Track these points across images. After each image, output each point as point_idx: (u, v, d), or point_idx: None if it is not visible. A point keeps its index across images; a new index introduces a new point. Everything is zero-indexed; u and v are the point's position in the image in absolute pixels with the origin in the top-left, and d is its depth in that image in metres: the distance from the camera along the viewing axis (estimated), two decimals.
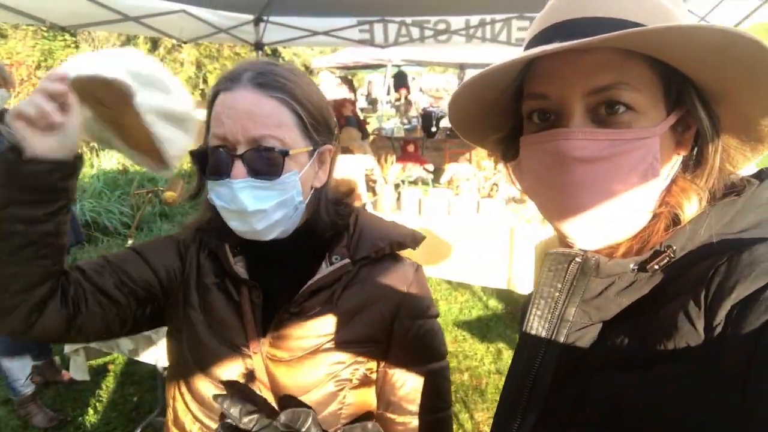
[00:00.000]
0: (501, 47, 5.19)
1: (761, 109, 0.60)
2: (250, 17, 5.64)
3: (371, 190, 5.25)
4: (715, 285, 0.54)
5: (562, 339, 0.64)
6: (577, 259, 0.63)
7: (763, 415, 0.45)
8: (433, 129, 8.41)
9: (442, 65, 11.58)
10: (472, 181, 5.21)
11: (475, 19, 5.01)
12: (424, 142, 7.13)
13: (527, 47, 0.66)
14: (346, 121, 5.84)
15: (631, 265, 0.61)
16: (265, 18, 5.63)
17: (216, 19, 5.23)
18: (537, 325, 0.66)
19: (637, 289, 0.61)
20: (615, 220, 0.62)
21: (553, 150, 0.61)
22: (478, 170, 5.32)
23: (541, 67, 0.64)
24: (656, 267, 0.60)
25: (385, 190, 5.12)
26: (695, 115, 0.62)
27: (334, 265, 1.01)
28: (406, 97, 10.38)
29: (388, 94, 12.14)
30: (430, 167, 5.72)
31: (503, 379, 3.71)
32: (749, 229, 0.59)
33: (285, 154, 0.90)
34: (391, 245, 1.06)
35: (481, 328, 4.62)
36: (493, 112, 0.73)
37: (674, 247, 0.60)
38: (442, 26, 5.16)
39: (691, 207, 0.62)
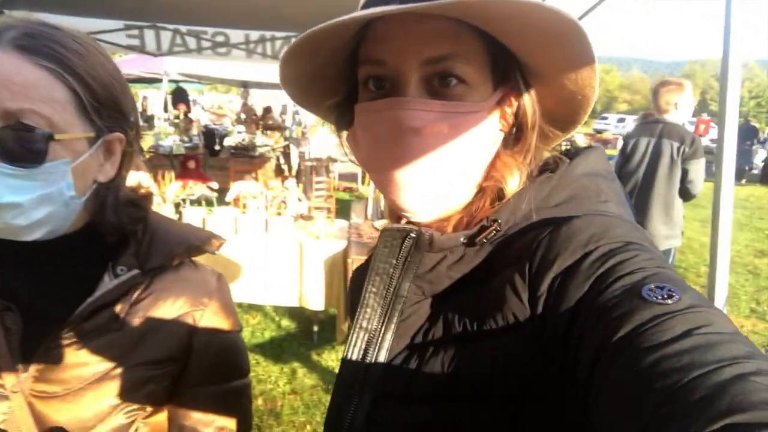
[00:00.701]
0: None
1: (572, 85, 0.63)
2: None
3: None
4: (538, 258, 0.56)
5: (396, 315, 0.64)
6: (412, 235, 0.62)
7: (582, 380, 0.47)
8: (217, 147, 8.04)
9: (224, 83, 11.20)
10: (259, 198, 5.08)
11: (255, 35, 4.93)
12: (207, 160, 6.76)
13: (364, 7, 0.63)
14: None
15: (461, 239, 0.62)
16: (4, 11, 4.77)
17: None
18: (373, 302, 0.65)
19: (466, 263, 0.62)
20: (445, 193, 0.64)
21: (389, 119, 0.60)
22: (265, 188, 5.21)
23: (377, 31, 0.62)
24: (484, 240, 0.61)
25: (164, 211, 4.69)
26: (518, 92, 0.65)
27: (120, 277, 0.83)
28: (186, 114, 9.78)
29: (166, 110, 11.31)
30: (214, 185, 5.44)
31: (298, 398, 3.60)
32: (563, 203, 0.63)
33: (49, 137, 0.71)
34: (188, 250, 0.92)
35: (275, 350, 4.48)
36: (327, 76, 0.70)
37: (500, 221, 0.61)
38: (220, 38, 4.96)
39: (513, 181, 0.64)
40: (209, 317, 0.93)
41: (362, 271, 0.78)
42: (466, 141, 0.61)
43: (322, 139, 9.04)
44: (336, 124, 0.75)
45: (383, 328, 0.64)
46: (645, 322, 0.44)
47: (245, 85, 10.79)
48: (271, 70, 8.26)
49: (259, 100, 12.72)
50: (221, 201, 5.26)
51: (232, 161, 6.68)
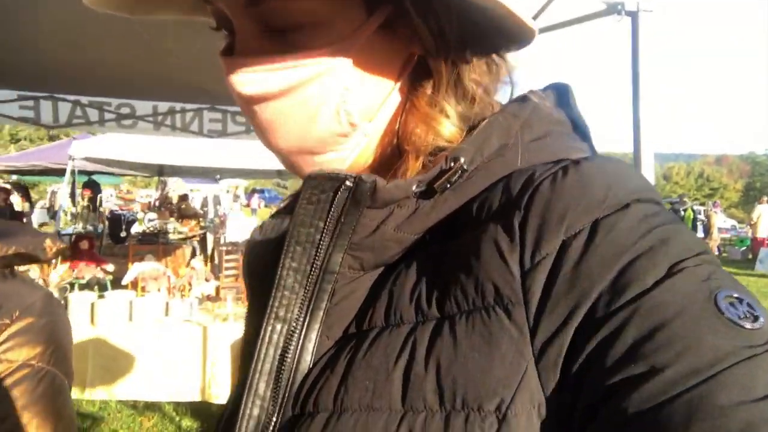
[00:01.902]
0: (192, 137, 4.99)
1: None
2: None
3: None
4: (534, 210, 0.42)
5: (326, 298, 0.49)
6: (347, 183, 0.47)
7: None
8: (123, 234, 7.52)
9: (135, 168, 10.69)
10: (161, 280, 4.63)
11: (163, 107, 4.75)
12: (102, 246, 6.21)
13: None
14: None
15: (413, 187, 0.47)
16: None
17: None
18: (292, 281, 0.49)
19: (420, 220, 0.48)
20: (328, 158, 0.52)
21: (230, 87, 0.50)
22: (168, 268, 4.79)
23: None
24: (446, 185, 0.47)
25: None
26: (404, 15, 0.49)
27: None
28: (90, 199, 9.22)
29: (73, 198, 10.63)
30: (110, 267, 4.92)
31: None
32: (541, 138, 0.50)
33: None
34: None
35: None
36: None
37: (463, 161, 0.47)
38: (126, 110, 4.72)
39: (443, 128, 0.50)
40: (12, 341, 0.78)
41: (266, 242, 0.59)
42: (325, 101, 0.49)
43: (239, 222, 8.74)
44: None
45: (307, 317, 0.50)
46: (722, 357, 0.33)
47: (161, 172, 10.41)
48: (189, 152, 8.03)
49: (177, 188, 12.34)
50: (117, 285, 4.74)
51: (135, 246, 6.20)
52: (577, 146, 0.51)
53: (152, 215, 9.28)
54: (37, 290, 0.84)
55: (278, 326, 0.49)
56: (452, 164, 0.47)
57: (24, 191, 9.72)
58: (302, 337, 0.49)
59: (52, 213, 12.75)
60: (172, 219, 8.62)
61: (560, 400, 0.38)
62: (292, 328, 0.49)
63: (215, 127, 4.81)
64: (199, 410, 4.41)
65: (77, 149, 8.15)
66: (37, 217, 11.66)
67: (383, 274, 0.51)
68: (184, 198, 10.21)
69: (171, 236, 7.77)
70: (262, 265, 0.57)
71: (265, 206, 15.36)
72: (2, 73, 4.24)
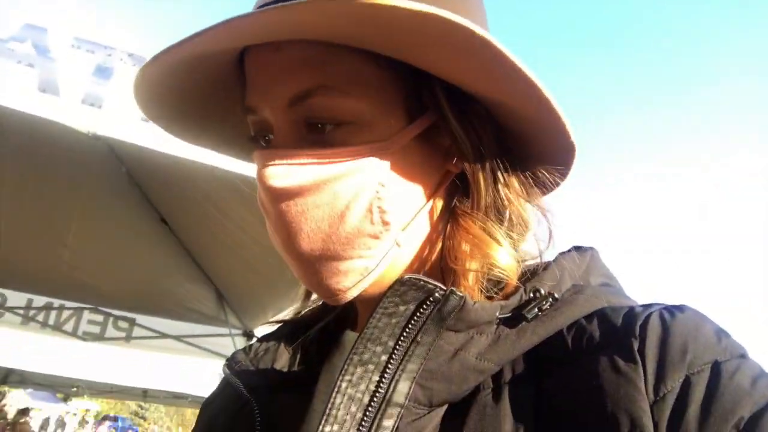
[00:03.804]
0: (64, 338, 4.53)
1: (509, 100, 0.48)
2: None
3: None
4: (652, 339, 0.41)
5: None
6: (437, 294, 0.41)
7: None
8: None
9: None
10: None
11: (40, 300, 4.38)
12: None
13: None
14: None
15: (497, 312, 0.43)
16: None
17: None
18: (344, 414, 0.40)
19: (505, 349, 0.42)
20: (358, 268, 0.47)
21: (261, 182, 0.48)
22: None
23: (247, 68, 0.51)
24: (538, 313, 0.43)
25: None
26: (443, 122, 0.50)
27: None
28: None
29: None
30: None
31: None
32: (604, 285, 0.50)
33: None
34: None
35: None
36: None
37: (544, 292, 0.45)
38: None
39: (500, 255, 0.48)
40: None
41: (273, 376, 0.54)
42: (357, 197, 0.47)
43: None
44: None
45: None
46: None
47: (5, 379, 8.91)
48: (46, 356, 7.11)
49: (17, 401, 10.53)
50: None
51: None
52: (633, 300, 0.50)
53: None
54: None
55: None
56: (533, 294, 0.45)
57: None
58: None
59: None
60: None
61: None
62: None
63: (93, 329, 4.45)
64: None
65: None
66: None
67: (451, 411, 0.43)
68: (24, 412, 8.69)
69: None
70: (263, 395, 0.51)
71: None
72: None
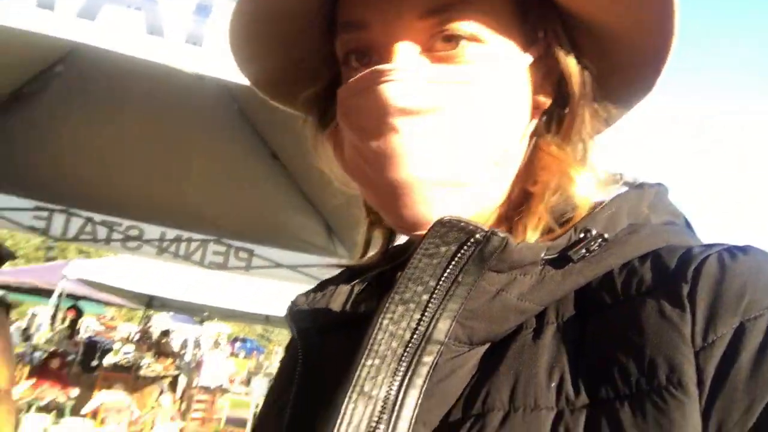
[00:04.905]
0: (192, 267, 4.99)
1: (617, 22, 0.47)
2: None
3: None
4: (706, 282, 0.39)
5: (425, 373, 0.41)
6: (478, 236, 0.41)
7: None
8: (94, 363, 7.12)
9: (125, 297, 10.51)
10: (123, 413, 4.30)
11: (171, 233, 4.83)
12: (71, 371, 5.89)
13: None
14: None
15: (542, 254, 0.43)
16: None
17: None
18: (385, 349, 0.41)
19: (548, 290, 0.42)
20: (468, 195, 0.47)
21: (373, 98, 0.45)
22: (135, 402, 4.47)
23: None
24: (585, 254, 0.43)
25: None
26: (559, 52, 0.49)
27: None
28: (72, 321, 8.89)
29: (53, 320, 10.26)
30: (74, 393, 4.61)
31: None
32: (667, 224, 0.48)
33: None
34: None
35: None
36: (303, 57, 0.55)
37: (595, 232, 0.43)
38: (134, 232, 4.80)
39: (581, 183, 0.47)
40: None
41: (326, 315, 0.54)
42: (484, 120, 0.46)
43: (215, 368, 8.31)
44: (318, 124, 0.57)
45: (400, 396, 0.40)
46: None
47: (150, 303, 10.17)
48: (181, 286, 7.97)
49: (159, 324, 11.95)
50: (77, 412, 4.39)
51: (106, 374, 5.85)
52: (698, 240, 0.48)
53: (129, 348, 8.90)
54: None
55: (361, 405, 0.40)
56: (583, 234, 0.44)
57: (5, 309, 9.42)
58: (393, 421, 0.40)
59: (26, 336, 12.25)
60: (149, 354, 8.26)
61: None
62: (382, 407, 0.40)
63: (217, 260, 4.84)
64: None
65: (72, 270, 8.12)
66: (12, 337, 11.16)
67: (491, 350, 0.43)
68: (165, 334, 9.87)
69: (143, 371, 7.37)
70: (315, 336, 0.52)
71: (245, 357, 14.75)
72: (24, 183, 4.41)
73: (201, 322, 13.55)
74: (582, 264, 0.43)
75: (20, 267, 10.10)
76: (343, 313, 0.53)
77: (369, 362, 0.41)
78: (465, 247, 0.41)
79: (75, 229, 4.78)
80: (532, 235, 0.46)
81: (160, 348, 8.41)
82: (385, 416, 0.40)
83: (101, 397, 4.38)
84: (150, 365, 7.76)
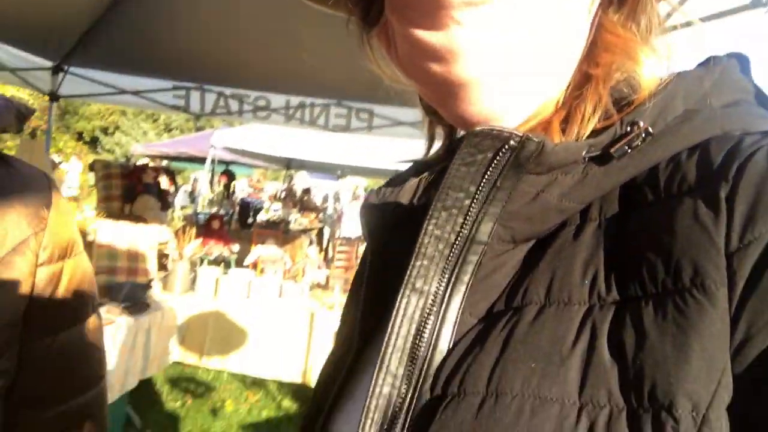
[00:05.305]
0: (318, 131, 5.22)
1: None
2: (48, 64, 5.01)
3: (163, 267, 4.63)
4: (749, 180, 0.36)
5: (471, 270, 0.43)
6: (512, 142, 0.41)
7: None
8: (250, 221, 8.07)
9: (268, 161, 11.49)
10: (278, 264, 4.90)
11: (295, 101, 5.01)
12: (230, 228, 6.73)
13: None
14: (145, 189, 5.25)
15: (584, 152, 0.42)
16: (65, 67, 5.05)
17: (5, 56, 4.55)
18: (433, 250, 0.43)
19: (590, 188, 0.42)
20: (531, 82, 0.45)
21: None
22: (287, 254, 5.05)
23: None
24: (627, 150, 0.40)
25: (178, 267, 4.54)
26: None
27: None
28: (225, 185, 10.01)
29: (211, 184, 11.64)
30: (235, 248, 5.30)
31: None
32: (731, 105, 0.43)
33: None
34: None
35: (270, 430, 4.09)
36: None
37: (642, 124, 0.40)
38: (262, 102, 5.05)
39: (648, 64, 0.44)
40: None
41: (395, 210, 0.54)
42: (546, 5, 0.42)
43: (354, 217, 9.00)
44: (363, 20, 0.54)
45: (448, 291, 0.43)
46: None
47: (289, 165, 11.02)
48: (315, 147, 8.45)
49: (301, 183, 13.01)
50: (240, 265, 5.10)
51: (259, 231, 6.64)
52: (764, 120, 0.43)
53: (277, 205, 9.87)
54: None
55: (414, 299, 0.43)
56: (629, 128, 0.41)
57: (171, 175, 10.79)
58: (443, 312, 0.43)
59: (193, 197, 14.01)
60: (294, 210, 9.10)
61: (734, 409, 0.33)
62: (431, 302, 0.43)
63: (340, 122, 4.99)
64: (299, 393, 4.57)
65: (218, 139, 8.90)
66: (180, 199, 12.87)
67: (535, 247, 0.45)
68: (307, 192, 10.74)
69: (292, 226, 8.19)
70: (383, 231, 0.53)
71: None
72: (162, 64, 4.76)
73: (339, 177, 14.41)
74: (625, 160, 0.41)
75: (176, 138, 11.29)
76: (411, 207, 0.54)
77: (418, 263, 0.43)
78: (501, 154, 0.41)
79: (210, 104, 5.14)
80: (590, 121, 0.43)
81: (303, 204, 9.21)
82: (435, 308, 0.43)
83: (258, 251, 4.98)
84: (297, 220, 8.60)
